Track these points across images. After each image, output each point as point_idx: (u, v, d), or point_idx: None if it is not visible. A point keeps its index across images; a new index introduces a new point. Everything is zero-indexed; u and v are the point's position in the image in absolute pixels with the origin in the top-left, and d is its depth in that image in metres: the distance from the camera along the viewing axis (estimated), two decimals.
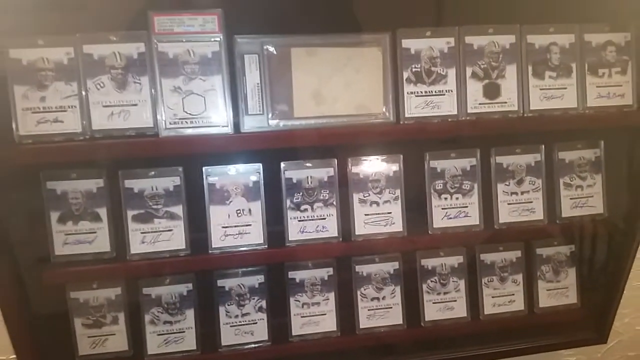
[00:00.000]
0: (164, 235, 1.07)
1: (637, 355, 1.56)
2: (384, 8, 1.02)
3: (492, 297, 1.27)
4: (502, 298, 1.27)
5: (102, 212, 1.05)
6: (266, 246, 1.11)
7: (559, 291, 1.29)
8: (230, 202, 1.09)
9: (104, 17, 0.93)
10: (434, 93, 1.04)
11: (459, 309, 1.25)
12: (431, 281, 1.25)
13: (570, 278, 1.30)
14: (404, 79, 1.03)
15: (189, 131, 0.98)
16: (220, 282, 1.19)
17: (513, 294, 1.28)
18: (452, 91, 1.05)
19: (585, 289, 1.30)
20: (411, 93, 1.04)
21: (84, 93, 0.94)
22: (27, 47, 0.92)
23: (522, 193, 1.20)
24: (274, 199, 1.11)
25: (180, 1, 0.94)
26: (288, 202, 1.12)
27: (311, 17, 1.00)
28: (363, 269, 1.23)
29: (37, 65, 0.93)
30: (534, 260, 1.29)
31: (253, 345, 1.19)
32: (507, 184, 1.19)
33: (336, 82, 1.02)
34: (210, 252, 1.09)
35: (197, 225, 1.09)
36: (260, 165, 1.10)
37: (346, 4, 1.01)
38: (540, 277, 1.29)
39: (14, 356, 1.05)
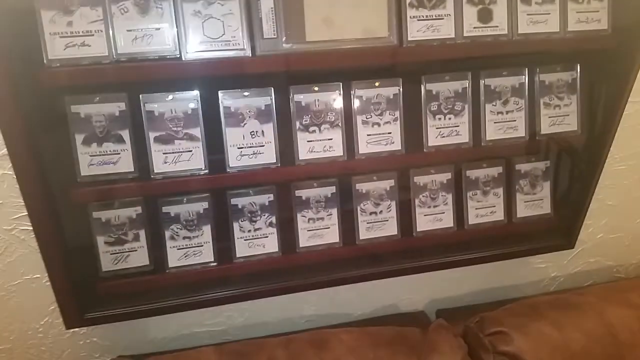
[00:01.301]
0: (184, 156, 1.16)
1: (597, 261, 1.79)
2: None
3: (476, 209, 1.44)
4: (485, 209, 1.44)
5: (125, 134, 1.13)
6: (279, 165, 1.21)
7: (535, 202, 1.47)
8: (245, 124, 1.19)
9: None
10: (434, 17, 1.15)
11: (447, 220, 1.42)
12: (422, 196, 1.40)
13: (545, 191, 1.48)
14: (407, 3, 1.12)
15: (208, 54, 1.05)
16: (233, 201, 1.31)
17: (494, 206, 1.45)
18: (450, 15, 1.16)
19: (557, 200, 1.48)
20: (413, 17, 1.14)
21: (108, 17, 0.99)
22: None
23: (507, 112, 1.34)
24: (285, 121, 1.21)
25: None
26: (297, 124, 1.22)
27: None
28: (363, 187, 1.36)
29: None
30: (513, 175, 1.45)
31: (264, 256, 1.31)
32: (494, 104, 1.32)
33: (345, 7, 1.11)
34: (228, 170, 1.19)
35: (215, 147, 1.17)
36: (272, 89, 1.18)
37: None
38: (519, 190, 1.46)
39: (47, 274, 1.15)
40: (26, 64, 0.99)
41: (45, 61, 1.00)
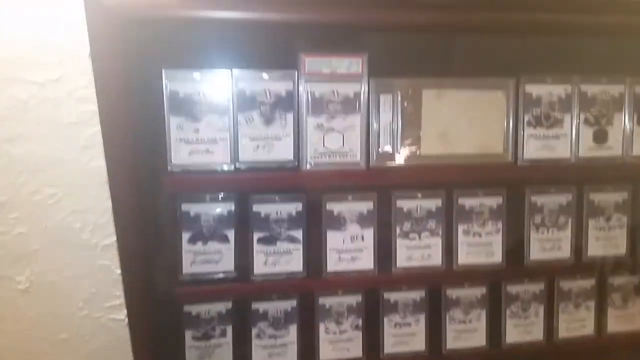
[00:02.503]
0: (284, 258, 1.16)
1: None
2: (508, 55, 1.11)
3: (567, 322, 1.39)
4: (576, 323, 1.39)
5: (230, 233, 1.13)
6: (376, 272, 1.19)
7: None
8: (345, 228, 1.18)
9: (256, 55, 1.01)
10: (550, 136, 1.14)
11: (536, 333, 1.37)
12: (514, 306, 1.36)
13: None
14: (525, 121, 1.13)
15: (327, 166, 1.06)
16: (321, 300, 1.29)
17: (584, 319, 1.39)
18: (566, 135, 1.15)
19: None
20: (530, 135, 1.14)
21: (234, 126, 1.01)
22: (184, 80, 0.99)
23: (610, 229, 1.31)
24: (385, 226, 1.20)
25: (328, 44, 1.02)
26: (398, 229, 1.21)
27: (442, 61, 1.09)
28: (453, 293, 1.33)
29: (193, 98, 1.00)
30: (607, 288, 1.40)
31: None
32: (597, 220, 1.30)
33: (461, 123, 1.12)
34: (323, 276, 1.18)
35: (314, 249, 1.17)
36: (375, 193, 1.18)
37: (473, 50, 1.10)
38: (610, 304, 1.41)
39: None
40: (150, 168, 1.00)
41: (169, 167, 1.02)
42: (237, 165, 1.06)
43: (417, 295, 1.34)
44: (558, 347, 1.39)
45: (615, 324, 1.45)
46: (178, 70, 0.99)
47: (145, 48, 0.91)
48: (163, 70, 0.97)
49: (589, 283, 1.43)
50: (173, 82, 1.00)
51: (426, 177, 1.14)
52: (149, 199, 1.03)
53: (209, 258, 1.14)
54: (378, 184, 1.13)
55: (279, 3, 0.88)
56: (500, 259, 1.27)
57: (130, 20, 0.84)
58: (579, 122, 1.17)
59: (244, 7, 0.86)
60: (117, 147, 0.96)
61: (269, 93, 1.04)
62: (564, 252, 1.31)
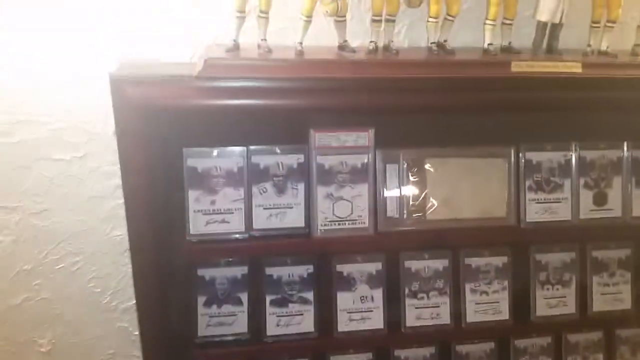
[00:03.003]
0: (296, 319, 1.20)
1: None
2: (508, 125, 1.17)
3: None
4: None
5: (244, 296, 1.18)
6: (386, 331, 1.24)
7: None
8: (355, 289, 1.23)
9: (269, 131, 1.08)
10: (552, 200, 1.20)
11: None
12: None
13: None
14: (526, 186, 1.18)
15: (337, 232, 1.12)
16: (333, 359, 1.32)
17: None
18: (567, 199, 1.21)
19: None
20: (532, 200, 1.19)
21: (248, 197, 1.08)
22: (202, 157, 1.06)
23: (614, 285, 1.35)
24: (394, 286, 1.25)
25: (337, 120, 1.09)
26: (406, 289, 1.26)
27: (444, 132, 1.16)
28: (463, 349, 1.37)
29: (211, 172, 1.07)
30: (615, 341, 1.43)
31: None
32: (601, 276, 1.34)
33: (464, 189, 1.17)
34: (334, 335, 1.22)
35: (324, 310, 1.22)
36: (384, 254, 1.23)
37: (474, 121, 1.17)
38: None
39: None
40: (169, 238, 1.06)
41: (187, 237, 1.08)
42: (252, 233, 1.11)
43: (427, 351, 1.37)
44: None
45: None
46: (197, 149, 1.05)
47: (166, 130, 0.98)
48: (184, 150, 1.04)
49: (596, 336, 1.46)
50: (192, 159, 1.06)
51: (432, 240, 1.19)
52: (167, 265, 1.08)
53: (222, 320, 1.19)
54: (386, 247, 1.18)
55: (289, 92, 0.95)
56: (508, 316, 1.30)
57: (153, 109, 0.91)
58: (578, 186, 1.22)
59: (255, 96, 0.94)
60: (138, 219, 1.02)
61: (282, 166, 1.10)
62: (570, 307, 1.34)
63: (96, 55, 1.08)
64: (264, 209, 1.12)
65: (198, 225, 1.10)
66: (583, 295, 1.36)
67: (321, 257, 1.22)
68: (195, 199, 1.09)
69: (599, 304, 1.37)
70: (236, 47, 1.00)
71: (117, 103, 0.92)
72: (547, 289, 1.34)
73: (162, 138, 0.97)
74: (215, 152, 1.09)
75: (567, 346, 1.42)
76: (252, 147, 1.10)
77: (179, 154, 1.05)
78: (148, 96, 0.91)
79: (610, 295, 1.38)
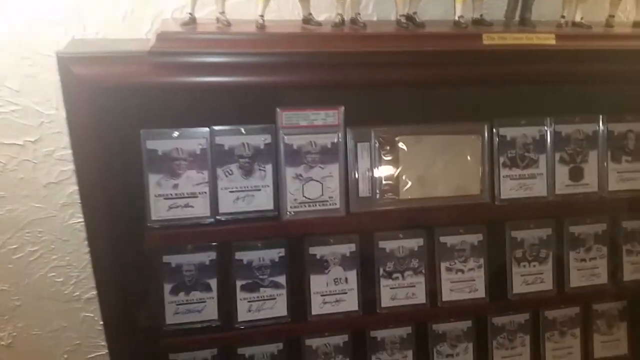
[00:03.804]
0: (267, 304, 1.18)
1: None
2: (481, 100, 1.15)
3: (553, 349, 1.42)
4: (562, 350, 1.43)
5: (213, 282, 1.15)
6: (361, 313, 1.22)
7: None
8: (329, 271, 1.21)
9: (233, 110, 1.04)
10: (526, 176, 1.18)
11: None
12: (500, 337, 1.39)
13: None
14: (500, 163, 1.16)
15: (307, 215, 1.09)
16: (308, 342, 1.31)
17: (572, 346, 1.44)
18: (542, 174, 1.19)
19: None
20: (506, 176, 1.17)
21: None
22: (163, 138, 1.02)
23: (590, 260, 1.35)
24: (369, 267, 1.23)
25: (304, 98, 1.05)
26: (381, 270, 1.24)
27: (416, 108, 1.13)
28: (439, 328, 1.37)
29: (172, 155, 1.03)
30: (592, 316, 1.45)
31: None
32: (578, 251, 1.34)
33: (438, 167, 1.15)
34: (308, 319, 1.20)
35: (297, 294, 1.19)
36: (357, 236, 1.21)
37: (447, 97, 1.14)
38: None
39: None
40: (129, 224, 1.02)
41: (148, 223, 1.04)
42: (218, 217, 1.07)
43: (404, 332, 1.36)
44: None
45: (602, 349, 1.49)
46: (156, 130, 1.01)
47: (121, 111, 0.93)
48: (141, 131, 0.99)
49: (573, 311, 1.46)
50: (151, 141, 1.02)
51: (406, 219, 1.17)
52: (129, 253, 1.04)
53: (191, 307, 1.16)
54: (359, 228, 1.16)
55: (252, 68, 0.91)
56: (484, 294, 1.29)
57: (103, 89, 0.86)
58: (554, 161, 1.20)
59: (216, 72, 0.89)
60: (94, 206, 0.98)
61: (247, 146, 1.06)
62: (547, 284, 1.34)
63: (46, 33, 1.01)
64: (230, 192, 1.08)
65: (160, 210, 1.06)
66: (560, 272, 1.36)
67: (293, 240, 1.19)
68: (156, 183, 1.05)
69: (576, 279, 1.37)
70: (192, 20, 0.94)
71: (65, 83, 0.87)
72: (524, 266, 1.33)
73: (116, 120, 0.92)
74: (176, 133, 1.04)
75: (544, 322, 1.42)
76: (215, 128, 1.06)
77: (137, 136, 1.00)
78: (97, 75, 0.86)
79: (587, 271, 1.37)
